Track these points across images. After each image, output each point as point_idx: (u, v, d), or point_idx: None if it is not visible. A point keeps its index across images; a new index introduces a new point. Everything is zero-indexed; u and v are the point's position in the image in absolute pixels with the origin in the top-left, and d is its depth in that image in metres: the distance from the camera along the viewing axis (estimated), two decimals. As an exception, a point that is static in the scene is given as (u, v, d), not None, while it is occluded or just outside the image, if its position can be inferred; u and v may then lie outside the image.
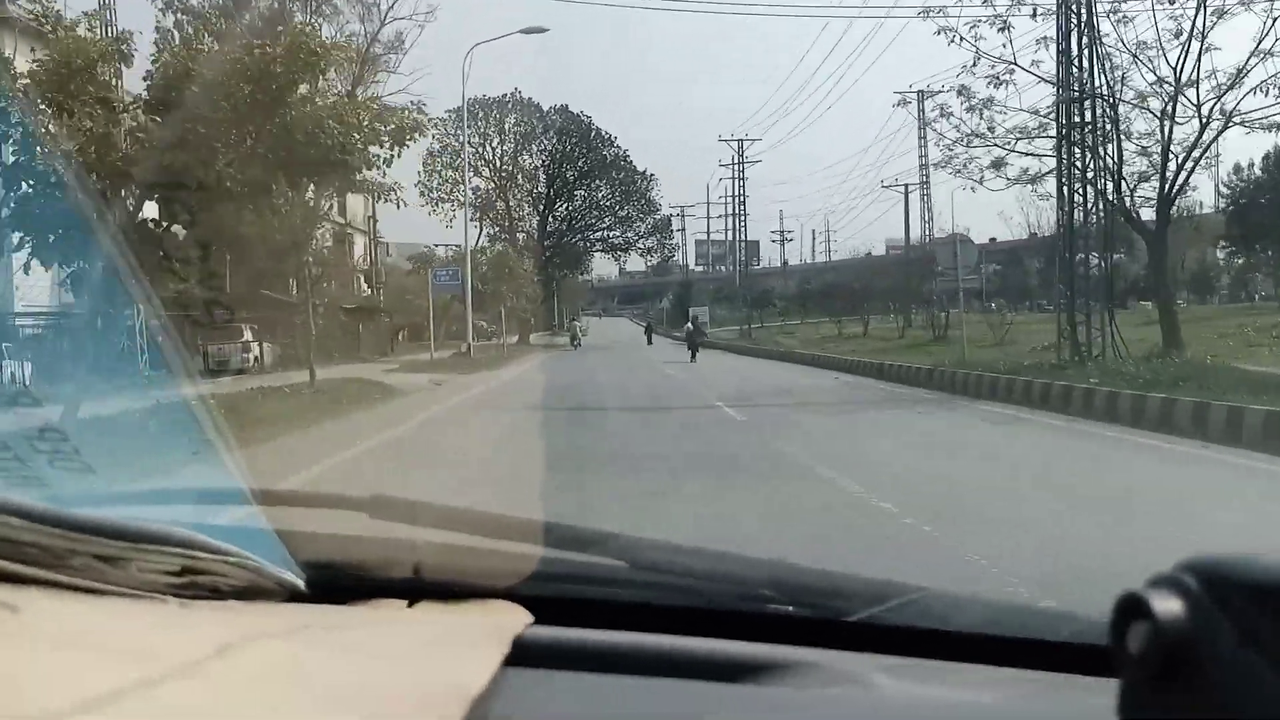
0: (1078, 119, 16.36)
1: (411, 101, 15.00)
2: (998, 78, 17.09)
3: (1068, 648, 0.92)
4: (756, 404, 15.00)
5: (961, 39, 16.70)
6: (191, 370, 14.12)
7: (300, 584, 0.94)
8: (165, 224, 12.01)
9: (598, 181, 53.45)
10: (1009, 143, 17.76)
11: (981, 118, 17.62)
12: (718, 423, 12.13)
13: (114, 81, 11.89)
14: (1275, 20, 14.94)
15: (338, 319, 29.63)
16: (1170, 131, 16.43)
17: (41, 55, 11.75)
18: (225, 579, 0.86)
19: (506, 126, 51.28)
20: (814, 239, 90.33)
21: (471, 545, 1.03)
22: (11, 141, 10.39)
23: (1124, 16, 16.38)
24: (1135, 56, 16.33)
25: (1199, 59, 15.79)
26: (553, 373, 25.44)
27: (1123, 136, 16.93)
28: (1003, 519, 5.87)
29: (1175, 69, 16.08)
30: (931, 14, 16.73)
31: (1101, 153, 16.33)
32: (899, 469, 7.95)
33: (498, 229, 51.05)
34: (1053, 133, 17.39)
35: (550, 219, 53.68)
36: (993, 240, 46.39)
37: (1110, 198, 16.81)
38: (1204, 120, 16.07)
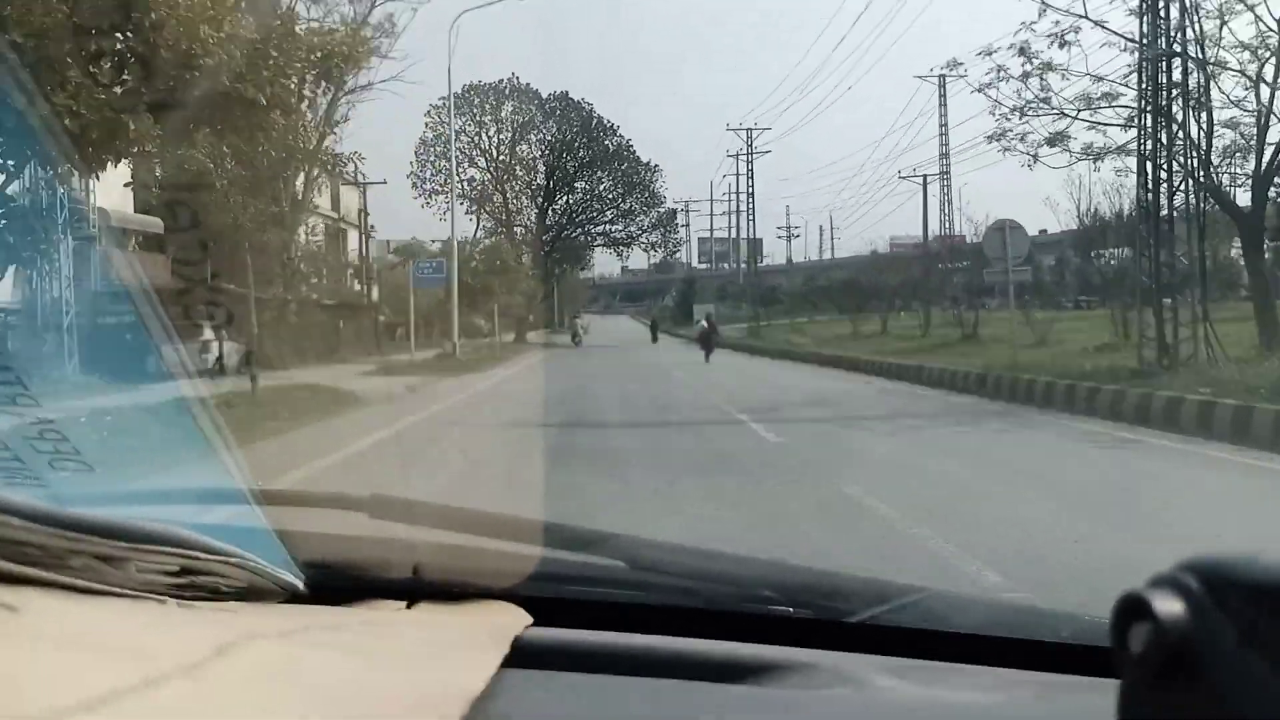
0: (1164, 80, 13.44)
1: (346, 21, 11.98)
2: (1062, 36, 14.28)
3: (1068, 648, 0.91)
4: (790, 418, 12.54)
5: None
6: (132, 373, 12.61)
7: (300, 584, 0.93)
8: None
9: (599, 173, 50.76)
10: (1079, 110, 14.90)
11: (1041, 83, 14.81)
12: (749, 448, 9.37)
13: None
14: None
15: (316, 316, 26.85)
16: (1273, 98, 13.59)
17: None
18: (225, 579, 0.86)
19: (503, 114, 48.20)
20: (821, 234, 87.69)
21: (471, 546, 1.03)
22: None
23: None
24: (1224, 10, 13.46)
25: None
26: (548, 376, 22.60)
27: (1212, 104, 14.07)
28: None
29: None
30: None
31: (1189, 122, 13.46)
32: (1040, 536, 5.45)
33: (495, 222, 48.00)
34: (1125, 102, 14.52)
35: (550, 212, 50.65)
36: (1043, 231, 43.32)
37: (1197, 174, 13.95)
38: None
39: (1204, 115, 13.89)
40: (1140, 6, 13.71)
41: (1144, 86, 13.88)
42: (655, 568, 1.03)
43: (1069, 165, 16.44)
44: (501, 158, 49.22)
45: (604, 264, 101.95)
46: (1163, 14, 13.48)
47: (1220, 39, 14.42)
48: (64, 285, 19.04)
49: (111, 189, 20.39)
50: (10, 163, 9.27)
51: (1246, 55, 14.39)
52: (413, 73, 52.22)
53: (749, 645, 0.89)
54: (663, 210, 52.08)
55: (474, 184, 49.21)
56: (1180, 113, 13.46)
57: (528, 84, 48.76)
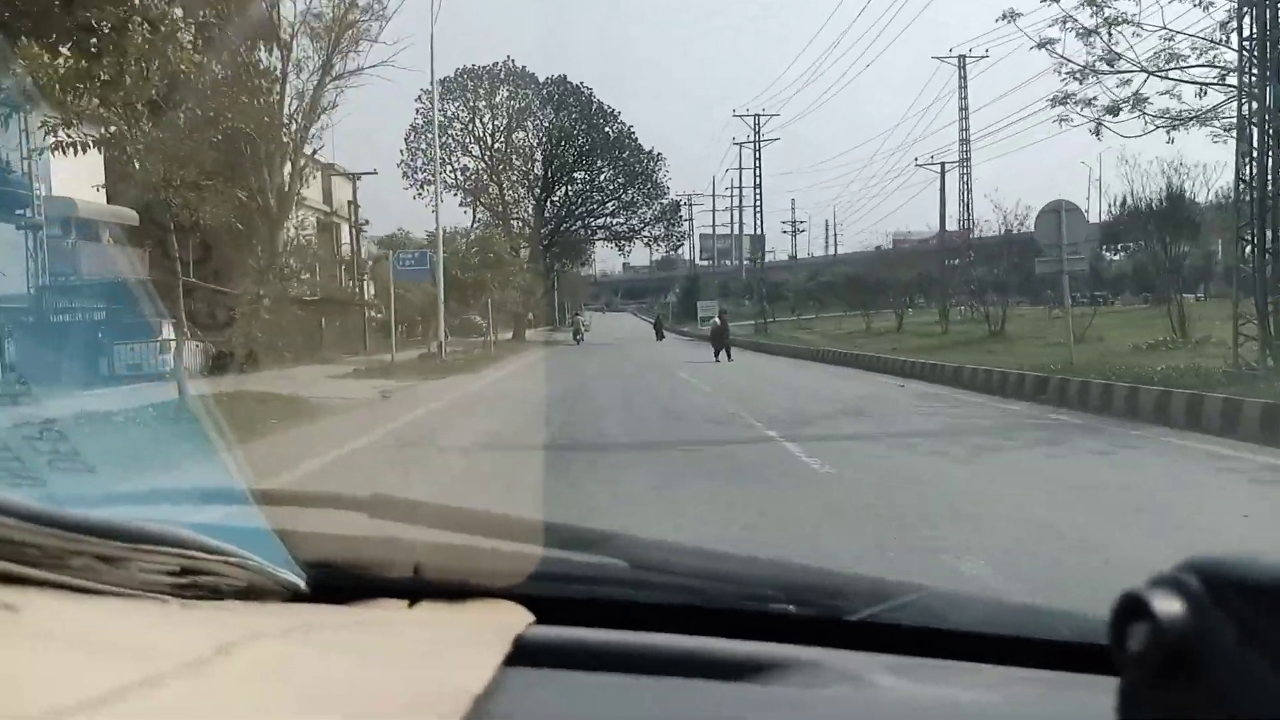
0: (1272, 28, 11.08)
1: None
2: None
3: (1068, 647, 0.91)
4: (828, 434, 10.58)
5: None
6: (70, 378, 12.13)
7: (301, 584, 0.94)
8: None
9: (599, 162, 48.56)
10: (1164, 67, 12.53)
11: (1109, 37, 12.49)
12: (793, 485, 7.20)
13: None
14: None
15: (297, 314, 24.72)
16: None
17: None
18: (226, 579, 0.86)
19: (498, 100, 45.74)
20: (827, 229, 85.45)
21: (472, 545, 1.02)
22: None
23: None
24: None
25: None
26: (541, 380, 20.27)
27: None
28: None
29: None
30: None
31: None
32: None
33: (492, 215, 45.48)
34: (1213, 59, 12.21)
35: (548, 204, 48.19)
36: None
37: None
38: None
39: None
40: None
41: (1249, 34, 11.46)
42: (656, 567, 1.02)
43: (1143, 133, 14.03)
44: (497, 146, 46.98)
45: (605, 261, 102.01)
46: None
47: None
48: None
49: (86, 180, 19.56)
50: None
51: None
52: (406, 59, 49.77)
53: (750, 643, 0.88)
54: (666, 202, 49.52)
55: (468, 174, 46.82)
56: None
57: (523, 67, 46.30)
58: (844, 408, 13.43)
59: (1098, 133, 14.97)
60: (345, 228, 37.43)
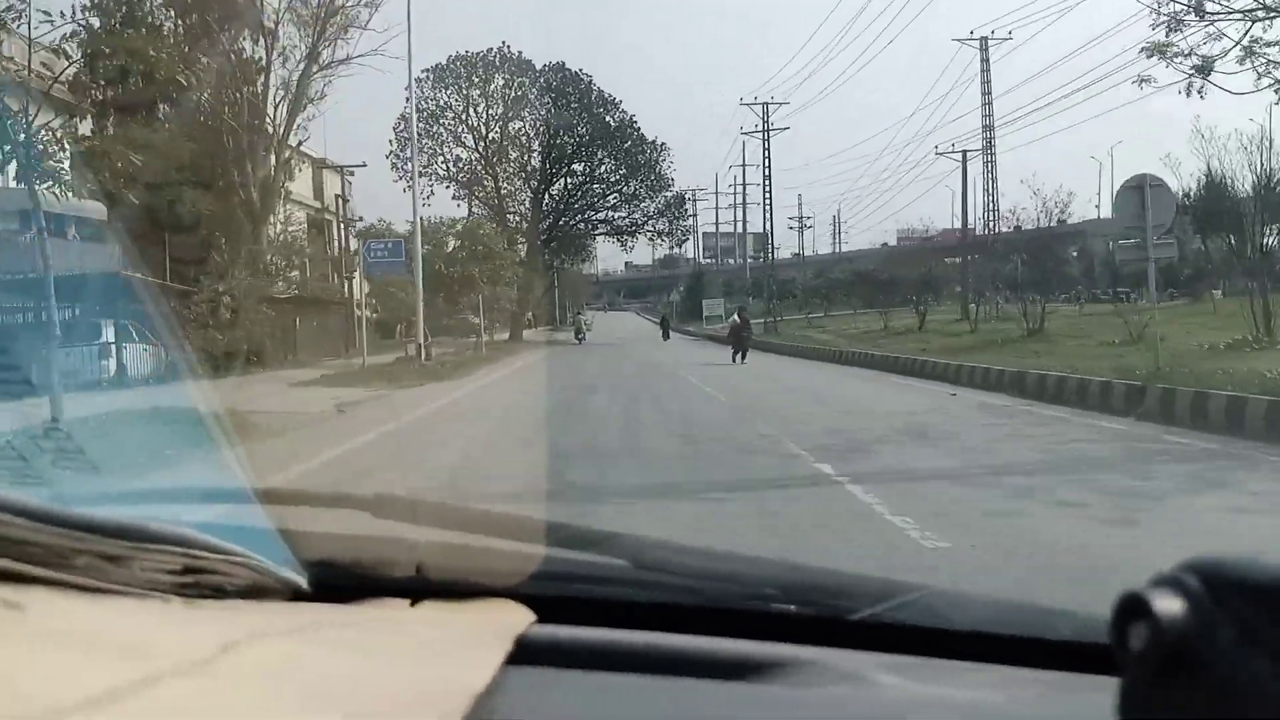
0: None
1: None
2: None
3: (1069, 646, 0.92)
4: (896, 470, 8.23)
5: None
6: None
7: (303, 583, 0.94)
8: None
9: (600, 153, 46.19)
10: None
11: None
12: (872, 553, 5.21)
13: None
14: None
15: (265, 313, 22.40)
16: None
17: None
18: (228, 578, 0.87)
19: (492, 89, 43.06)
20: (835, 224, 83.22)
21: (474, 544, 1.04)
22: None
23: None
24: None
25: None
26: (531, 389, 17.55)
27: None
28: None
29: None
30: None
31: None
32: None
33: (488, 210, 42.82)
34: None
35: (546, 196, 45.50)
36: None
37: None
38: None
39: None
40: None
41: None
42: (659, 566, 1.02)
43: (1255, 89, 11.42)
44: (492, 136, 44.13)
45: (607, 260, 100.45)
46: None
47: None
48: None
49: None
50: None
51: None
52: (399, 46, 47.04)
53: (751, 643, 0.89)
54: (670, 195, 46.85)
55: (461, 165, 44.13)
56: None
57: (519, 53, 43.63)
58: (901, 426, 10.85)
59: (1195, 90, 12.30)
60: (339, 224, 34.99)
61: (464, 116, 45.22)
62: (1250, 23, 12.18)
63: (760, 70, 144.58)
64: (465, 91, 44.75)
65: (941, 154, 43.83)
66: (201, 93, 28.53)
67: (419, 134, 43.53)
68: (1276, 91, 12.57)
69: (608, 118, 45.90)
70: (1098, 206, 52.12)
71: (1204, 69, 13.12)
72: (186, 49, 28.29)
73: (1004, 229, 28.71)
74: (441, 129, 44.56)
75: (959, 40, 43.45)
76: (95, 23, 25.80)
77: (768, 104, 50.46)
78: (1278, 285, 19.61)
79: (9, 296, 19.44)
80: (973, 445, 9.57)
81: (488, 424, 12.44)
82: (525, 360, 28.48)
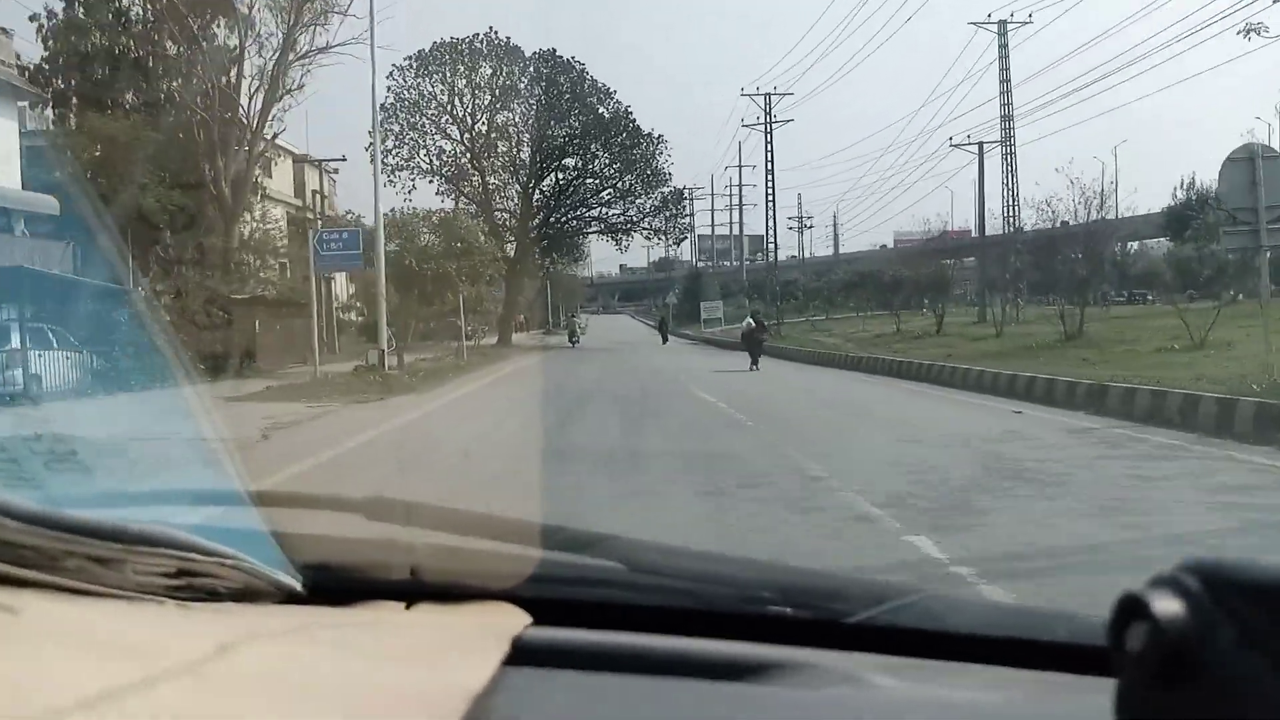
0: None
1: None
2: None
3: (1066, 648, 0.91)
4: (1044, 548, 5.52)
5: None
6: None
7: (297, 585, 0.95)
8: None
9: (593, 145, 43.70)
10: None
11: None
12: None
13: None
14: None
15: (217, 315, 20.08)
16: None
17: None
18: (222, 581, 0.88)
19: (478, 78, 40.41)
20: (834, 224, 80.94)
21: (469, 547, 1.03)
22: None
23: None
24: None
25: None
26: (507, 408, 14.64)
27: None
28: None
29: None
30: None
31: None
32: None
33: (476, 206, 40.16)
34: None
35: (536, 192, 42.97)
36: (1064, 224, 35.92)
37: None
38: None
39: None
40: None
41: None
42: (654, 569, 1.01)
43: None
44: (479, 127, 41.85)
45: (601, 262, 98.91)
46: None
47: None
48: None
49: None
50: None
51: None
52: (385, 35, 44.47)
53: (747, 645, 0.89)
54: (667, 191, 44.23)
55: (446, 158, 41.75)
56: None
57: (507, 39, 41.17)
58: (985, 460, 8.34)
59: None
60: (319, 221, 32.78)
61: (449, 107, 43.32)
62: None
63: (757, 70, 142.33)
64: (450, 80, 42.89)
65: (956, 146, 41.38)
66: (170, 81, 26.83)
67: (402, 126, 41.25)
68: None
69: (601, 109, 44.12)
70: (1101, 206, 49.64)
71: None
72: (154, 35, 26.48)
73: (1039, 223, 26.08)
74: (425, 120, 42.81)
75: (976, 24, 40.84)
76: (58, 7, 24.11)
77: (770, 95, 47.83)
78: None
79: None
80: (1105, 497, 6.92)
81: (439, 458, 9.62)
82: (509, 368, 25.94)
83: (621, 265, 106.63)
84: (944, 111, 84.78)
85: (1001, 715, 0.81)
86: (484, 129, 43.37)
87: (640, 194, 45.06)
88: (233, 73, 26.00)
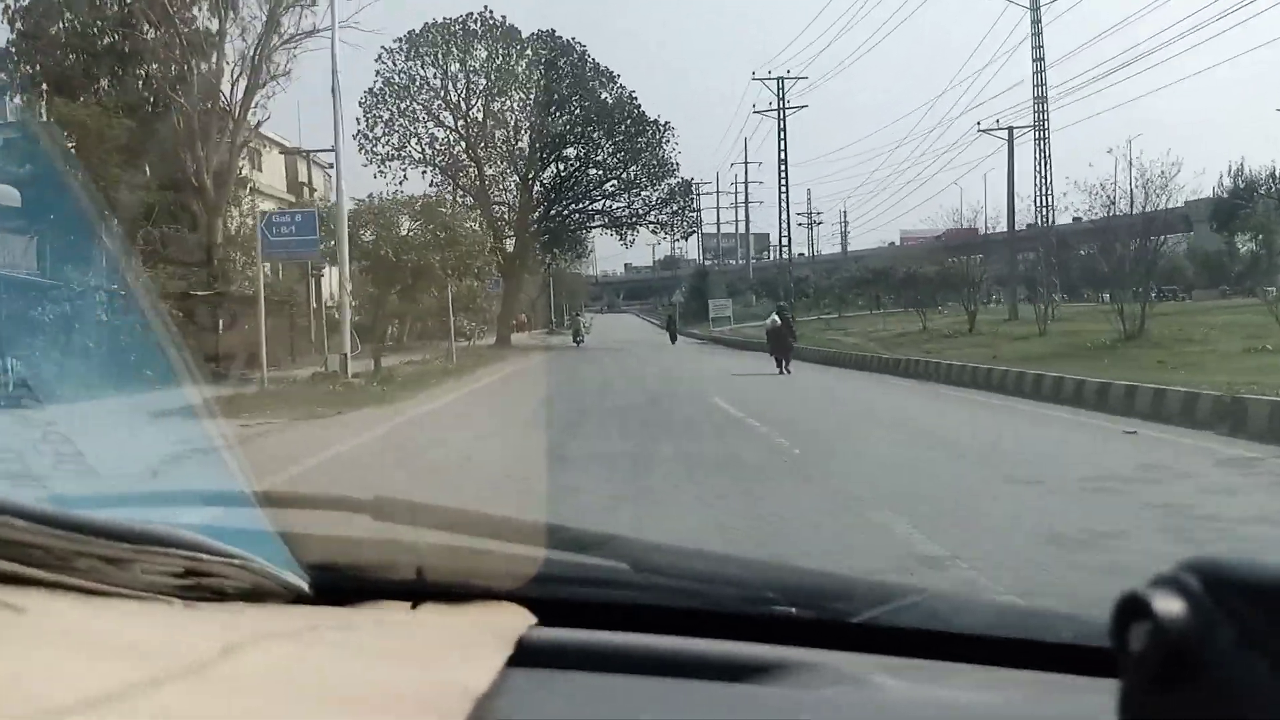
0: None
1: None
2: None
3: (1069, 649, 0.92)
4: None
5: None
6: None
7: (304, 586, 0.95)
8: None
9: (596, 134, 41.43)
10: None
11: None
12: None
13: None
14: None
15: (174, 316, 17.70)
16: None
17: None
18: (229, 581, 0.89)
19: (474, 61, 37.83)
20: (843, 220, 78.88)
21: (474, 547, 1.04)
22: None
23: None
24: None
25: None
26: (490, 426, 11.99)
27: None
28: None
29: None
30: None
31: None
32: None
33: (470, 197, 37.68)
34: None
35: (536, 184, 40.33)
36: (1077, 220, 33.25)
37: None
38: None
39: None
40: None
41: None
42: (658, 569, 1.01)
43: None
44: (474, 114, 39.24)
45: (606, 261, 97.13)
46: None
47: None
48: None
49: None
50: None
51: None
52: (371, 17, 41.93)
53: (752, 645, 0.89)
54: (675, 182, 41.75)
55: (439, 147, 39.45)
56: None
57: (504, 19, 38.78)
58: (1175, 524, 5.70)
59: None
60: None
61: (442, 92, 41.35)
62: None
63: (762, 59, 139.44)
64: (443, 63, 40.98)
65: (985, 131, 38.75)
66: (147, 66, 25.22)
67: (392, 112, 38.94)
68: None
69: (604, 94, 42.47)
70: (1163, 189, 47.25)
71: None
72: (130, 16, 25.13)
73: (1093, 210, 23.54)
74: (416, 106, 40.45)
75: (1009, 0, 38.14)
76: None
77: (783, 79, 45.26)
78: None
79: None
80: None
81: (409, 490, 6.97)
82: (501, 373, 23.73)
83: (626, 264, 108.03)
84: (965, 100, 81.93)
85: (1005, 716, 0.82)
86: (479, 115, 41.46)
87: (645, 186, 43.02)
88: (214, 57, 24.69)
